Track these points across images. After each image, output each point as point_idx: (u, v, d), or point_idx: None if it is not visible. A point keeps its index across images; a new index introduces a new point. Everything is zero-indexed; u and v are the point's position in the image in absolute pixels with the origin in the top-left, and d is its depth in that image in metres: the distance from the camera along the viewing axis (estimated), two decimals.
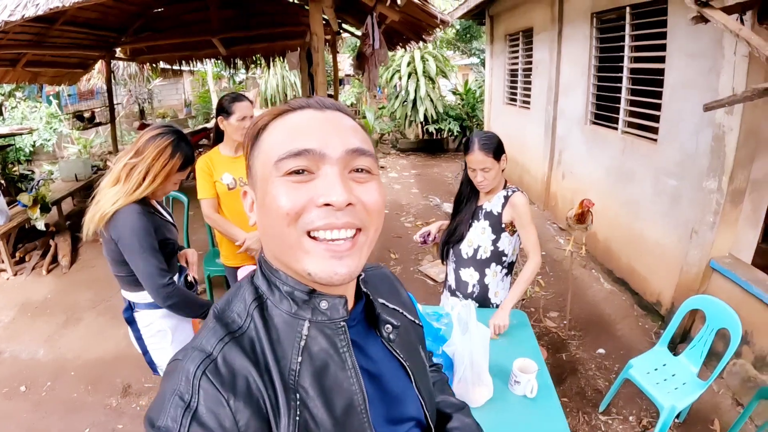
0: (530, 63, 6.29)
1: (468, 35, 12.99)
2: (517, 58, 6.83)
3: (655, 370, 2.48)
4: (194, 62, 7.64)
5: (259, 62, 7.94)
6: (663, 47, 3.39)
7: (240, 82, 17.91)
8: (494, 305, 2.16)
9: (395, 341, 0.65)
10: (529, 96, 6.41)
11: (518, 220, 2.00)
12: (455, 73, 11.09)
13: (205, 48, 6.78)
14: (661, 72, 3.46)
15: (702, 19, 2.58)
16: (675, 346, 3.19)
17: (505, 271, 2.15)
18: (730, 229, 2.94)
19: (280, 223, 0.51)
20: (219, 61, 7.88)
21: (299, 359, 0.54)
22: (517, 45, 6.75)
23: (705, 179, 2.98)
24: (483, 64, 12.96)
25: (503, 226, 2.04)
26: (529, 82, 6.37)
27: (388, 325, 0.65)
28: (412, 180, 7.94)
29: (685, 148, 3.24)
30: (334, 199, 0.49)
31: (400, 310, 0.72)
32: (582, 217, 3.01)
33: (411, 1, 4.07)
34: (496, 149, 1.94)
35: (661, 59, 3.43)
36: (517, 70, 6.84)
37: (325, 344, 0.56)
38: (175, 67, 8.14)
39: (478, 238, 2.08)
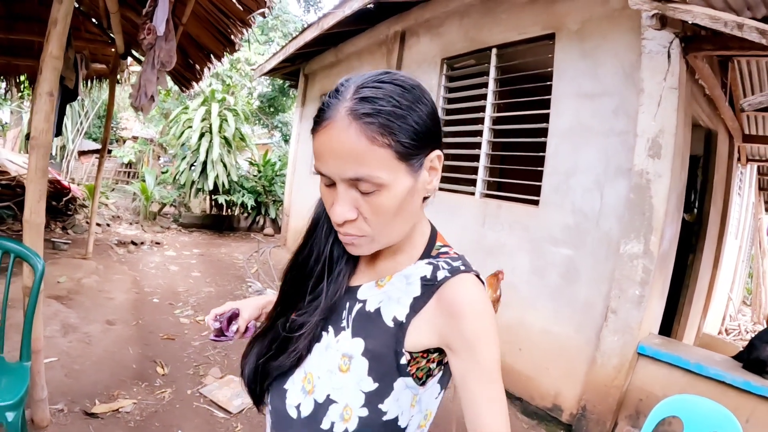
0: None
1: (272, 107, 12.16)
2: None
3: None
4: None
5: (25, 88, 6.29)
6: (546, 90, 2.87)
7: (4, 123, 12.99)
8: None
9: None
10: None
11: (460, 352, 0.65)
12: (252, 149, 9.64)
13: None
14: (538, 119, 2.91)
15: (662, 20, 2.03)
16: None
17: None
18: (656, 302, 2.29)
19: None
20: None
21: None
22: None
23: (622, 243, 2.32)
24: (286, 140, 12.11)
25: (404, 358, 0.67)
26: None
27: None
28: (194, 261, 6.10)
29: (582, 209, 2.61)
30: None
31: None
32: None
33: None
34: (414, 126, 0.61)
35: (543, 104, 2.89)
36: None
37: None
38: None
39: (328, 377, 0.69)
